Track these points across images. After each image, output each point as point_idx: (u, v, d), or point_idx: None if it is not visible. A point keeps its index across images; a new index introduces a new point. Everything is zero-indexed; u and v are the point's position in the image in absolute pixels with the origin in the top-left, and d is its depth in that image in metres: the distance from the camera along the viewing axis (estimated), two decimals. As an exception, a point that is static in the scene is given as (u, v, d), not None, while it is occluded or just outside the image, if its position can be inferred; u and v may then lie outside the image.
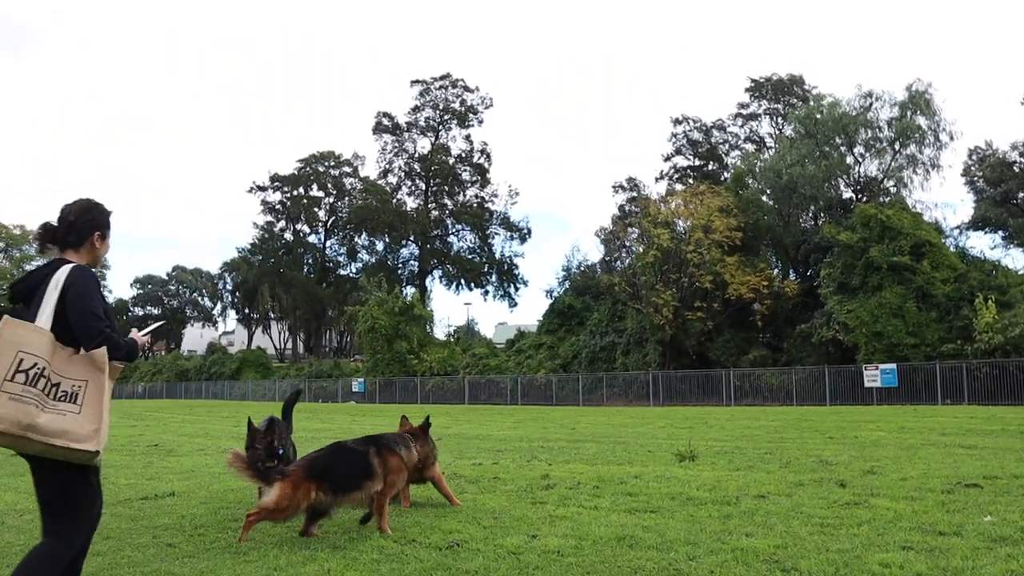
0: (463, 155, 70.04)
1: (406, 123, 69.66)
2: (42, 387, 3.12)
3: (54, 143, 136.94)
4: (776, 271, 41.28)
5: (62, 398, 3.17)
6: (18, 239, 65.32)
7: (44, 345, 3.17)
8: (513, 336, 53.74)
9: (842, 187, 41.50)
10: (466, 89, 69.01)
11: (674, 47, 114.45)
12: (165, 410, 35.22)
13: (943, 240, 36.47)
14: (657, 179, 60.29)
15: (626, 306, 40.78)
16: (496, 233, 70.75)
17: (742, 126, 59.11)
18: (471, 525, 5.70)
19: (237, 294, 79.00)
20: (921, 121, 37.87)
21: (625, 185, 58.51)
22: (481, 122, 70.96)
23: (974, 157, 46.28)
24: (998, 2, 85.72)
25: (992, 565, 4.21)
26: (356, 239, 73.41)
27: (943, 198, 74.06)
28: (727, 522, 5.62)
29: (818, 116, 40.07)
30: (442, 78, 68.74)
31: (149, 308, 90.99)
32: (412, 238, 69.41)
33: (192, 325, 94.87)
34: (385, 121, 69.74)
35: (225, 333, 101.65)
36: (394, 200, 69.59)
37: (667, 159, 60.04)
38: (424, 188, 70.45)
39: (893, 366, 29.69)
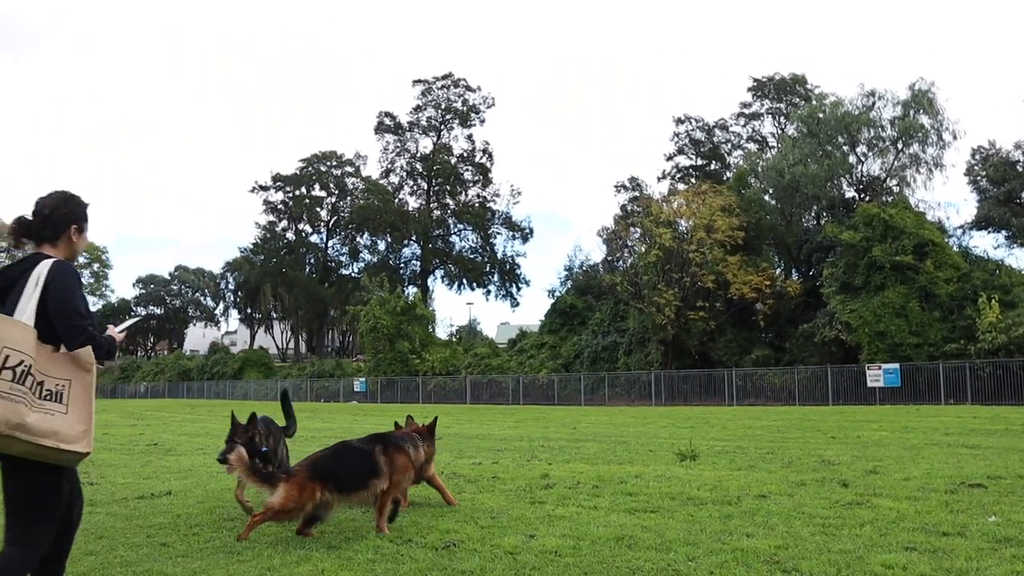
0: (465, 155, 70.11)
1: (408, 123, 69.80)
2: (29, 385, 3.01)
3: (54, 143, 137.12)
4: (778, 271, 41.25)
5: (47, 397, 3.07)
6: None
7: (29, 342, 3.06)
8: (515, 336, 53.73)
9: (845, 186, 41.45)
10: (468, 89, 69.08)
11: (676, 46, 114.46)
12: (167, 409, 35.22)
13: (946, 240, 36.38)
14: (659, 178, 60.29)
15: (628, 306, 40.72)
16: (498, 233, 70.85)
17: (744, 125, 59.09)
18: (468, 525, 5.64)
19: (239, 294, 79.13)
20: (924, 120, 37.81)
21: (627, 184, 58.50)
22: (483, 122, 71.07)
23: (977, 156, 46.22)
24: (1002, 1, 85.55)
25: (997, 566, 4.14)
26: (358, 239, 73.50)
27: (946, 197, 73.67)
28: (728, 522, 5.56)
29: (821, 115, 40.00)
30: (444, 78, 68.80)
31: (152, 308, 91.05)
32: (414, 238, 69.44)
33: (194, 325, 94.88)
34: (387, 121, 69.82)
35: (227, 333, 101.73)
36: (396, 200, 69.65)
37: (669, 158, 60.07)
38: (426, 188, 70.49)
39: (896, 366, 29.60)
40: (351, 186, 74.73)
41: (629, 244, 43.51)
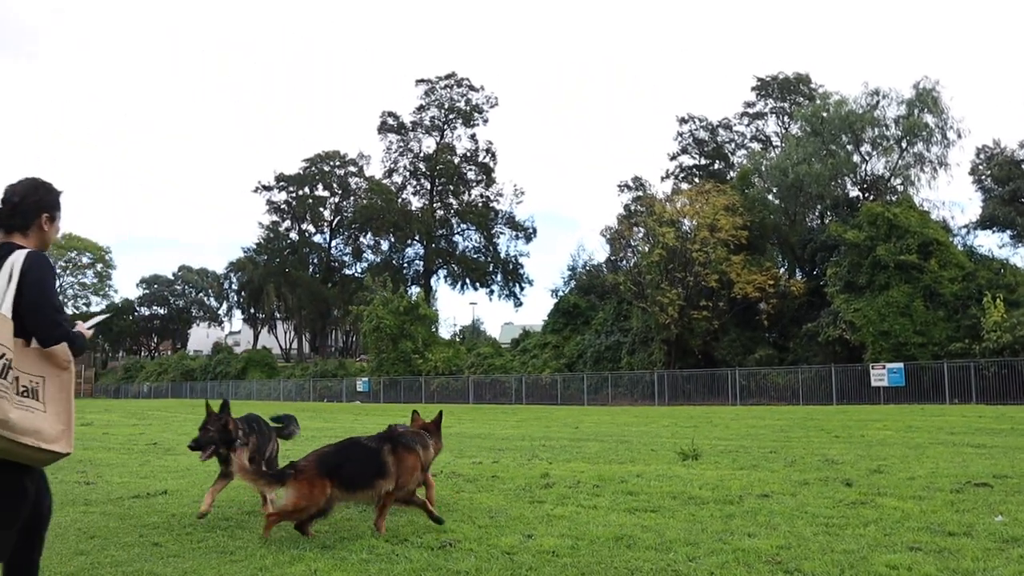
0: (468, 154, 70.07)
1: (411, 122, 69.79)
2: (10, 380, 2.87)
3: (54, 143, 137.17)
4: (782, 270, 41.14)
5: (24, 393, 2.92)
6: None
7: (8, 334, 2.91)
8: (518, 336, 53.72)
9: (849, 185, 41.33)
10: (471, 88, 69.06)
11: (680, 46, 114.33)
12: (169, 409, 35.20)
13: (951, 239, 36.30)
14: (663, 178, 60.27)
15: (631, 305, 40.64)
16: (501, 232, 70.81)
17: (748, 125, 59.00)
18: (466, 524, 5.56)
19: (243, 294, 79.19)
20: (928, 119, 37.66)
21: (631, 184, 58.51)
22: (486, 121, 70.95)
23: (982, 155, 46.10)
24: (1006, 0, 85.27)
25: (1004, 567, 4.05)
26: (361, 239, 73.52)
27: (951, 197, 73.74)
28: (729, 522, 5.47)
29: (824, 114, 39.89)
30: (447, 77, 68.78)
31: (155, 308, 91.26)
32: (417, 238, 69.42)
33: (198, 325, 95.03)
34: (390, 120, 69.83)
35: (231, 333, 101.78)
36: (399, 200, 69.66)
37: (673, 158, 60.04)
38: (429, 187, 70.48)
39: (900, 365, 29.50)
40: (354, 186, 74.72)
41: (632, 244, 43.50)
